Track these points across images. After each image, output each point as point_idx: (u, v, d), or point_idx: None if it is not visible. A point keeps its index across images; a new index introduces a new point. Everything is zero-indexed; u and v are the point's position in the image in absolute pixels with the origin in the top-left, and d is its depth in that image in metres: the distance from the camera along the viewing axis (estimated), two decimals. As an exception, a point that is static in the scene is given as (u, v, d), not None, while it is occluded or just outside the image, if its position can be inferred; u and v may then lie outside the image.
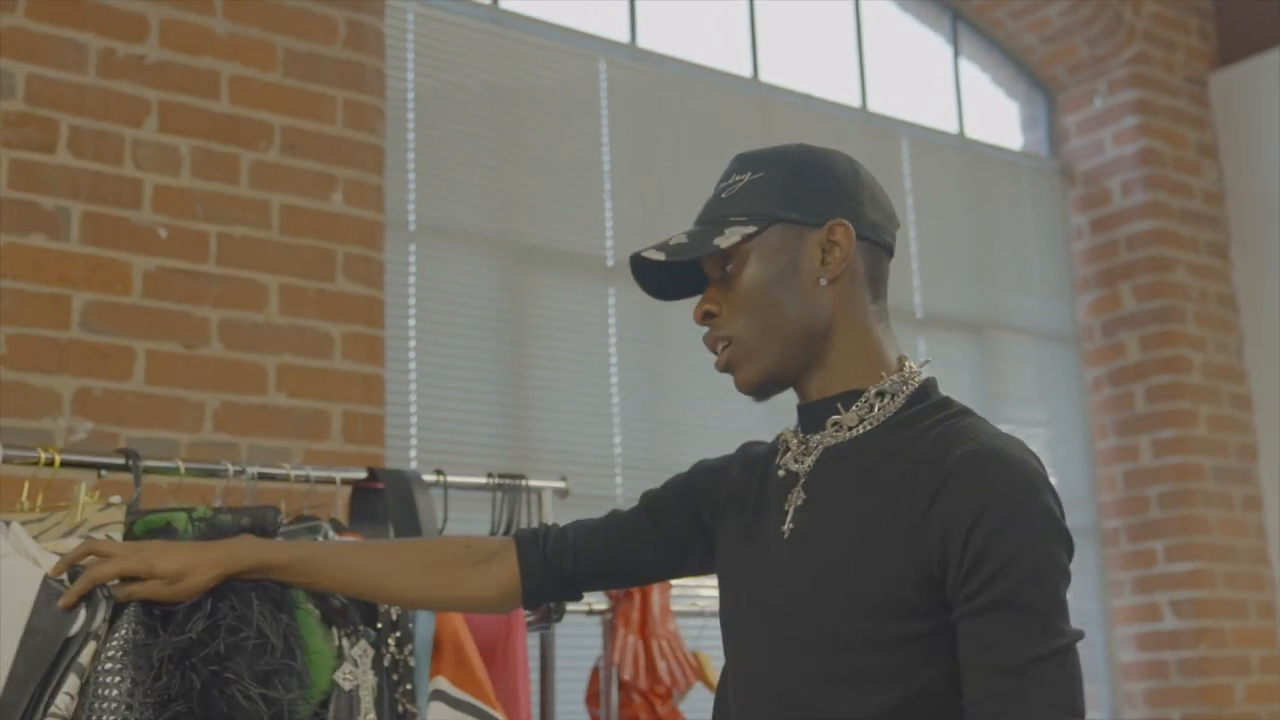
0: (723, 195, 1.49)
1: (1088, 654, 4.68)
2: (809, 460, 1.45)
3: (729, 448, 1.64)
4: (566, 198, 3.82)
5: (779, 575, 1.42)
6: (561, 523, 1.70)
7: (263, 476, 2.09)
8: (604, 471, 3.71)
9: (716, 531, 1.57)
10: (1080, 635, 1.31)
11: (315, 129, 3.17)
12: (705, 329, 1.49)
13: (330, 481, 2.15)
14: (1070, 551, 1.34)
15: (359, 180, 3.21)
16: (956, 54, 4.97)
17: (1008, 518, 1.30)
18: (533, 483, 2.40)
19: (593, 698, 2.62)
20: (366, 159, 3.24)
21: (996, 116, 5.10)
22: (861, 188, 1.47)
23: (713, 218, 1.48)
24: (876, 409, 1.43)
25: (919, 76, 4.88)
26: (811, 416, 1.48)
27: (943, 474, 1.33)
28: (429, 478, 2.26)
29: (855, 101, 4.59)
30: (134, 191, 2.91)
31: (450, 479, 2.29)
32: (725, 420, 3.58)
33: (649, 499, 1.66)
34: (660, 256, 1.46)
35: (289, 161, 3.11)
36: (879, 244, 1.48)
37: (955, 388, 4.54)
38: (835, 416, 1.44)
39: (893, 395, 1.44)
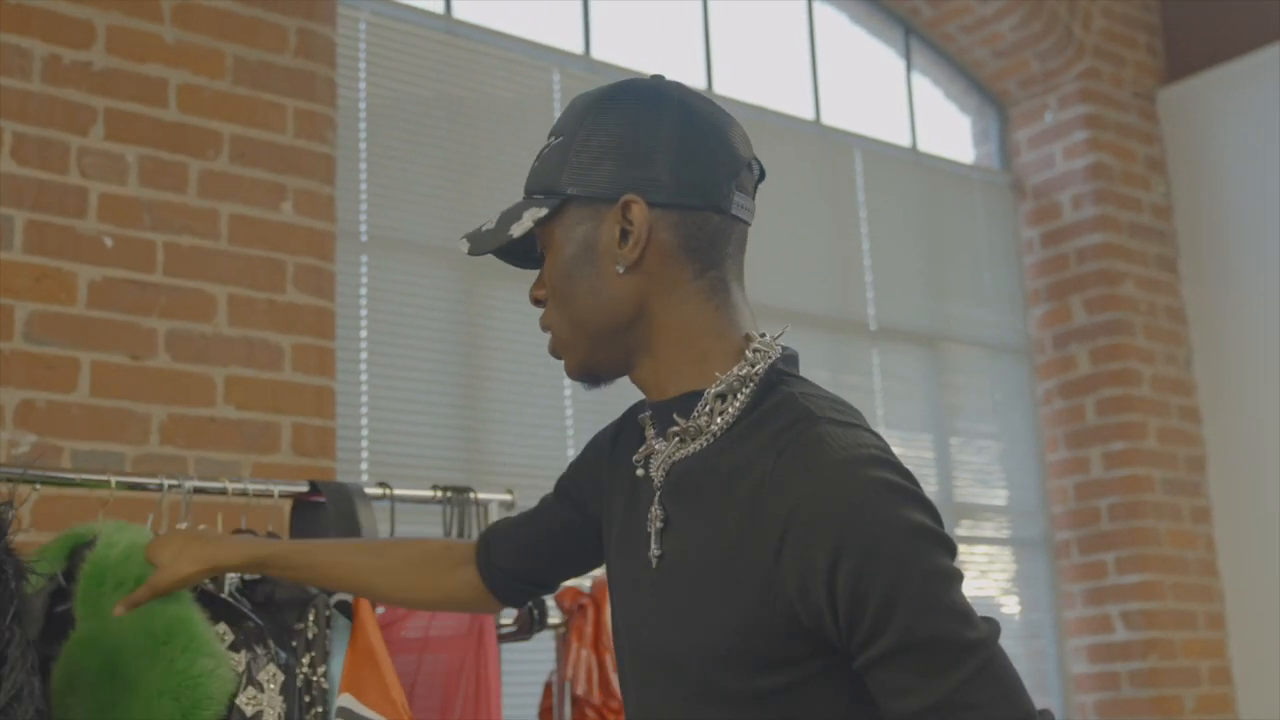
0: (535, 163, 1.32)
1: (1040, 666, 4.70)
2: (660, 472, 1.30)
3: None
4: (519, 209, 3.80)
5: (644, 613, 1.29)
6: None
7: (200, 490, 2.06)
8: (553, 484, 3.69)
9: (603, 529, 1.45)
10: (995, 630, 1.15)
11: (265, 138, 3.14)
12: None
13: (269, 495, 2.13)
14: (951, 549, 1.18)
15: (310, 190, 3.19)
16: (909, 68, 5.00)
17: (868, 553, 1.12)
18: (479, 495, 2.39)
19: (546, 713, 2.60)
20: (317, 168, 3.21)
21: (949, 130, 5.14)
22: (664, 145, 1.25)
23: (527, 189, 1.33)
24: (717, 416, 1.26)
25: (872, 90, 4.90)
26: (659, 418, 1.32)
27: (790, 504, 1.15)
28: (374, 491, 2.24)
29: (809, 114, 4.60)
30: (79, 200, 2.87)
31: (396, 492, 2.28)
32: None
33: (559, 482, 1.58)
34: (466, 247, 1.35)
35: (238, 171, 3.08)
36: (694, 207, 1.25)
37: (908, 399, 4.60)
38: (674, 427, 1.28)
39: (734, 394, 1.26)
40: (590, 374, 1.35)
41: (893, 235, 4.69)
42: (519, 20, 3.96)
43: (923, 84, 5.06)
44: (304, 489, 2.17)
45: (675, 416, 1.28)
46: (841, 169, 4.60)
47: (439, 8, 3.81)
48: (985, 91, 5.15)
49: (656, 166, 1.24)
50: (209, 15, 3.11)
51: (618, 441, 1.46)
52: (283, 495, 2.14)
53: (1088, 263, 4.85)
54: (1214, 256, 4.92)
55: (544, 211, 1.28)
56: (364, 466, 3.35)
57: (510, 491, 2.44)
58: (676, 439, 1.28)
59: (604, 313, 1.28)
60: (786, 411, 1.23)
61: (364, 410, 3.39)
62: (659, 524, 1.28)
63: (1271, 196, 4.74)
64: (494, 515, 2.39)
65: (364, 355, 3.42)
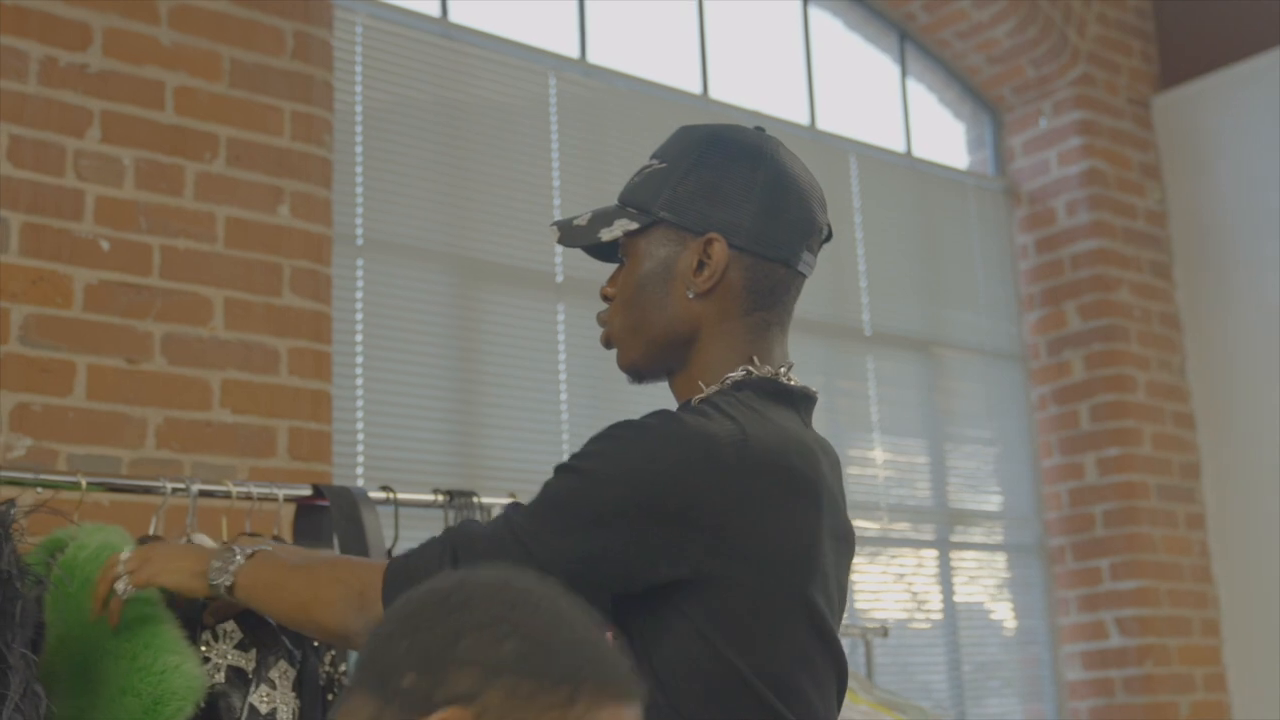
0: (634, 178, 1.49)
1: (1034, 672, 4.70)
2: None
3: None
4: (516, 212, 3.79)
5: None
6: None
7: (204, 494, 2.04)
8: (553, 489, 3.68)
9: None
10: (522, 529, 1.35)
11: (262, 141, 3.12)
12: None
13: (273, 499, 2.11)
14: (630, 455, 1.32)
15: (306, 193, 3.17)
16: (904, 73, 5.00)
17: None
18: (483, 500, 2.37)
19: None
20: (314, 172, 3.20)
21: (943, 136, 5.14)
22: (755, 196, 1.43)
23: (622, 199, 1.49)
24: None
25: (867, 95, 4.90)
26: None
27: None
28: (378, 495, 2.22)
29: (804, 119, 4.60)
30: (75, 203, 2.85)
31: (399, 496, 2.26)
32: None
33: None
34: (554, 234, 1.52)
35: (235, 173, 3.07)
36: (767, 257, 1.44)
37: (903, 404, 4.59)
38: None
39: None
40: (636, 372, 1.50)
41: (887, 241, 4.68)
42: (515, 24, 3.95)
43: (917, 90, 5.06)
44: (307, 492, 2.16)
45: None
46: (837, 174, 4.60)
47: (435, 11, 3.80)
48: (980, 97, 5.16)
49: (743, 213, 1.42)
50: (206, 18, 3.09)
51: None
52: (287, 499, 2.12)
53: (1082, 269, 4.85)
54: (1208, 263, 4.93)
55: (635, 225, 1.45)
56: (360, 471, 3.34)
57: (513, 495, 2.43)
58: None
59: (663, 328, 1.44)
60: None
61: (359, 414, 3.37)
62: None
63: (1266, 203, 4.75)
64: (496, 520, 2.38)
65: (359, 359, 3.40)
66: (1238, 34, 4.92)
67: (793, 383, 1.47)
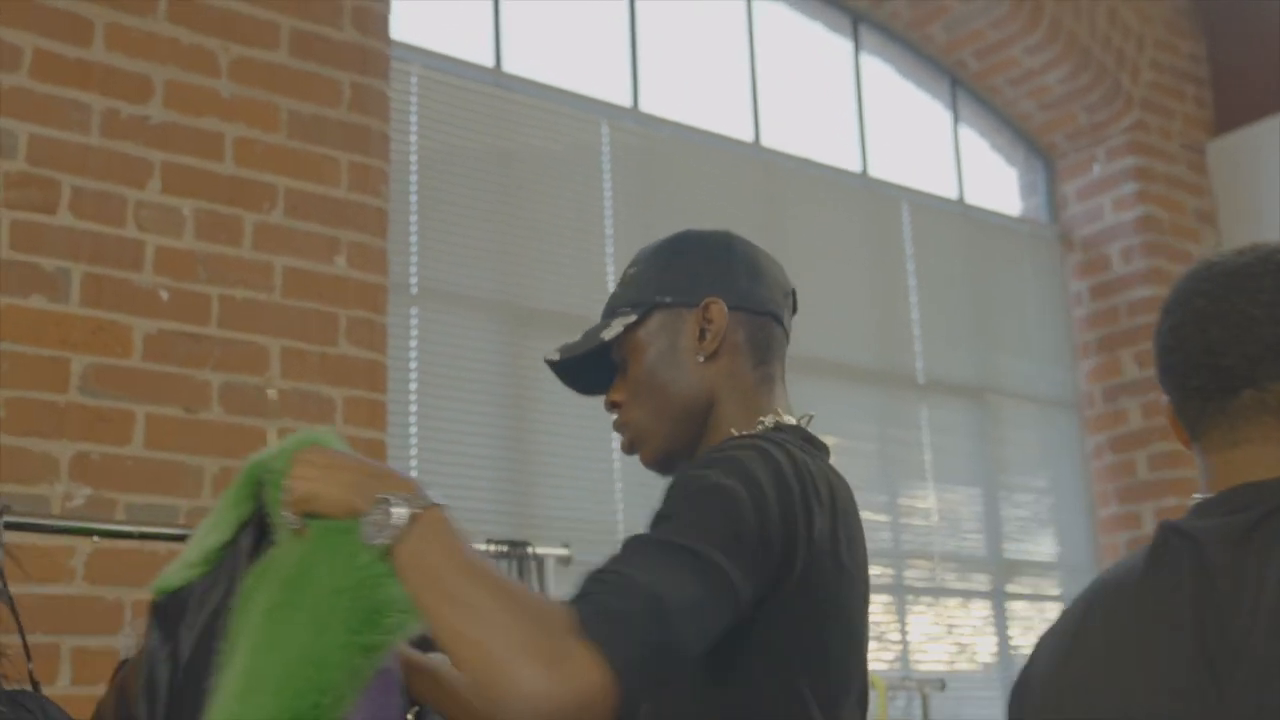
0: (615, 289, 1.56)
1: None
2: None
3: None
4: (568, 261, 3.80)
5: None
6: (565, 592, 1.64)
7: (265, 544, 2.04)
8: (606, 539, 3.66)
9: None
10: (707, 557, 1.17)
11: (319, 191, 3.15)
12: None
13: (334, 549, 2.10)
14: (747, 480, 1.25)
15: (362, 243, 3.19)
16: (956, 120, 4.99)
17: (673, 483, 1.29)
18: (536, 550, 2.36)
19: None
20: (370, 221, 3.22)
21: (996, 182, 5.11)
22: (735, 262, 1.54)
23: (607, 311, 1.55)
24: None
25: (919, 142, 4.89)
26: None
27: None
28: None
29: (856, 167, 4.59)
30: (135, 253, 2.88)
31: (456, 547, 2.25)
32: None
33: None
34: (556, 356, 1.54)
35: (292, 224, 3.09)
36: (760, 313, 1.52)
37: (956, 453, 4.55)
38: None
39: None
40: (667, 457, 1.51)
41: (940, 288, 4.65)
42: (568, 74, 3.98)
43: (969, 136, 5.05)
44: (363, 544, 2.15)
45: None
46: (889, 221, 4.58)
47: (489, 62, 3.83)
48: (1032, 144, 5.13)
49: (731, 277, 1.51)
50: (264, 70, 3.12)
51: None
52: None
53: (1138, 315, 4.80)
54: (1266, 309, 4.85)
55: (634, 316, 1.50)
56: (413, 520, 3.33)
57: (567, 546, 2.42)
58: None
59: (684, 402, 1.48)
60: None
61: (413, 463, 3.37)
62: None
63: (1325, 249, 4.68)
64: (551, 570, 2.36)
65: (414, 408, 3.41)
66: (1294, 79, 4.87)
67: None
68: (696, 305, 1.49)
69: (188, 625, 1.42)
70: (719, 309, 1.49)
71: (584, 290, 3.80)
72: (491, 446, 3.54)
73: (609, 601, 1.14)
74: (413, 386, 3.42)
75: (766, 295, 1.54)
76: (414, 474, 3.36)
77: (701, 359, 1.48)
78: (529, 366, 3.65)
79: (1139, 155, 4.89)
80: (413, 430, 3.39)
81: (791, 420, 1.49)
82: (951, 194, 4.85)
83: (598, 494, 3.67)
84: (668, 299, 1.50)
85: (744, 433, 1.44)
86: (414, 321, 3.47)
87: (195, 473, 2.85)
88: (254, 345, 2.98)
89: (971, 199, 4.90)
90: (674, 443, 1.50)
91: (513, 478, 3.55)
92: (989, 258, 4.85)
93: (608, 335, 1.49)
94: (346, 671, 1.29)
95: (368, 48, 3.30)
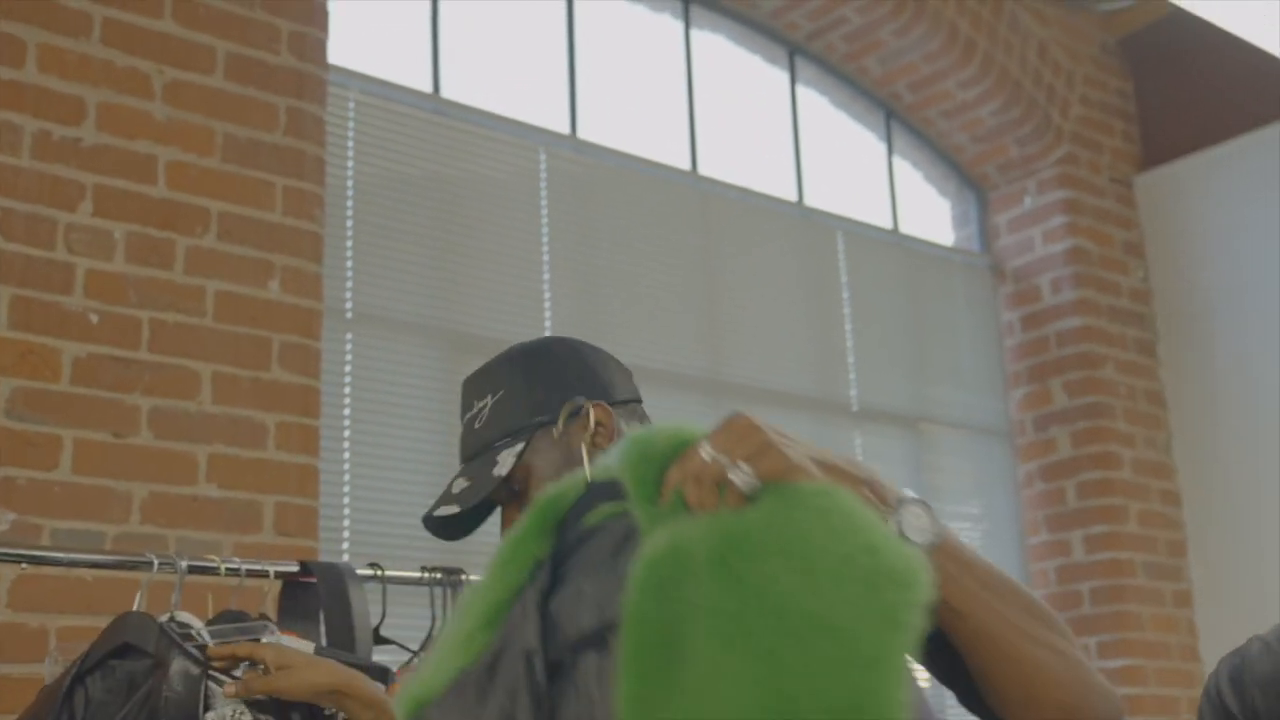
0: (475, 426, 1.55)
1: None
2: None
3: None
4: (505, 287, 3.80)
5: None
6: None
7: (193, 570, 2.03)
8: (540, 564, 3.66)
9: None
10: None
11: (253, 215, 3.13)
12: None
13: (263, 574, 2.09)
14: None
15: (296, 268, 3.18)
16: (890, 152, 5.05)
17: None
18: (472, 577, 2.36)
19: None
20: (305, 246, 3.21)
21: (929, 213, 5.18)
22: (589, 363, 1.56)
23: (477, 450, 1.54)
24: None
25: (854, 173, 4.95)
26: None
27: None
28: (365, 571, 2.21)
29: (792, 196, 4.64)
30: (66, 276, 2.85)
31: (387, 573, 2.24)
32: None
33: None
34: (454, 508, 1.52)
35: (226, 248, 3.07)
36: (630, 401, 1.56)
37: (890, 481, 4.59)
38: None
39: None
40: None
41: (874, 316, 4.71)
42: (506, 100, 3.99)
43: (904, 167, 5.12)
44: (294, 569, 2.14)
45: None
46: (824, 250, 4.63)
47: (427, 87, 3.84)
48: (965, 175, 5.21)
49: (595, 376, 1.54)
50: (200, 93, 3.11)
51: None
52: (278, 575, 2.11)
53: (1068, 346, 4.88)
54: (1192, 340, 4.96)
55: (521, 444, 1.49)
56: (346, 546, 3.31)
57: (500, 574, 2.41)
58: None
59: None
60: None
61: (346, 489, 3.35)
62: None
63: (1248, 281, 4.80)
64: (484, 598, 2.35)
65: (347, 433, 3.39)
66: (1218, 115, 4.99)
67: None
68: (577, 415, 1.49)
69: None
70: (603, 410, 1.50)
71: (520, 317, 3.81)
72: (425, 473, 3.53)
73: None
74: (346, 412, 3.40)
75: (626, 383, 1.57)
76: (347, 500, 3.34)
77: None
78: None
79: (1069, 188, 4.98)
80: (346, 456, 3.37)
81: None
82: (886, 224, 4.91)
83: (532, 520, 3.67)
84: (549, 417, 1.50)
85: None
86: (349, 347, 3.46)
87: (123, 498, 2.81)
88: (185, 370, 2.96)
89: (906, 229, 4.96)
90: None
91: (447, 504, 3.54)
92: (923, 287, 4.91)
93: (503, 471, 1.48)
94: (888, 641, 0.97)
95: (305, 72, 3.29)
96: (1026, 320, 5.01)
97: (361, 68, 3.66)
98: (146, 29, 3.06)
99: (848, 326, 4.61)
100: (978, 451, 4.90)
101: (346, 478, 3.36)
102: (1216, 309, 4.90)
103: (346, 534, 3.33)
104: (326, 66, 3.37)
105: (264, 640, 1.84)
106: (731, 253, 4.36)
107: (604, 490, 1.17)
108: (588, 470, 1.21)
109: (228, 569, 2.03)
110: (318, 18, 3.35)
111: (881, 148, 5.04)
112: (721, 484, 1.03)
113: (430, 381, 3.60)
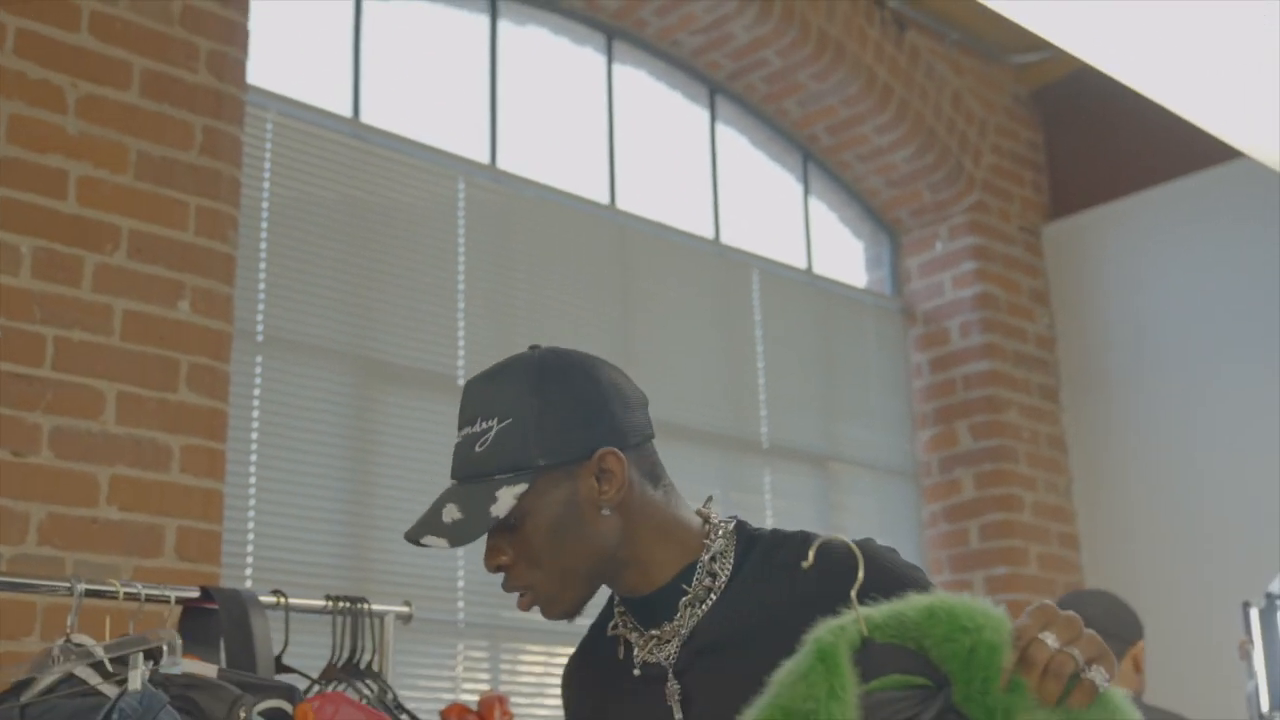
0: (476, 449, 1.44)
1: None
2: (670, 648, 1.45)
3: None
4: (419, 315, 3.79)
5: None
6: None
7: (91, 593, 1.98)
8: (447, 596, 3.64)
9: None
10: None
11: (165, 234, 3.09)
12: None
13: (163, 599, 2.05)
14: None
15: (207, 288, 3.14)
16: (806, 193, 5.12)
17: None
18: (375, 607, 2.33)
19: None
20: (217, 267, 3.17)
21: (843, 254, 5.25)
22: (608, 398, 1.46)
23: (474, 474, 1.44)
24: (720, 572, 1.45)
25: (770, 212, 5.00)
26: (650, 609, 1.47)
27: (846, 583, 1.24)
28: (268, 599, 2.18)
29: (709, 233, 4.68)
30: (-32, 290, 2.79)
31: (290, 601, 2.21)
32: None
33: None
34: (443, 542, 1.42)
35: (135, 266, 3.03)
36: (643, 443, 1.48)
37: (798, 517, 4.62)
38: (685, 599, 1.45)
39: (723, 553, 1.46)
40: (577, 609, 1.47)
41: (787, 355, 4.75)
42: (426, 127, 3.98)
43: (819, 209, 5.18)
44: (195, 594, 2.10)
45: (683, 586, 1.45)
46: (739, 288, 4.67)
47: (347, 111, 3.82)
48: (879, 218, 5.29)
49: (610, 415, 1.44)
50: (114, 109, 3.07)
51: (584, 670, 1.58)
52: (179, 601, 2.07)
53: (974, 389, 4.96)
54: (1093, 387, 5.07)
55: (524, 485, 1.40)
56: (249, 573, 3.27)
57: (408, 604, 2.39)
58: (689, 607, 1.44)
59: (597, 552, 1.44)
60: (783, 543, 1.45)
61: (251, 515, 3.31)
62: (677, 696, 1.43)
63: (1149, 330, 4.92)
64: (390, 628, 2.33)
65: (254, 458, 3.35)
66: (1124, 169, 5.12)
67: None
68: (589, 458, 1.42)
69: None
70: (616, 459, 1.43)
71: (434, 344, 3.79)
72: (332, 500, 3.49)
73: None
74: (254, 436, 3.36)
75: (642, 420, 1.49)
76: (251, 525, 3.30)
77: (607, 511, 1.43)
78: (375, 419, 3.62)
79: (978, 235, 5.08)
80: (252, 481, 3.33)
81: (715, 515, 1.49)
82: (800, 264, 4.97)
83: (440, 552, 3.64)
84: (558, 459, 1.41)
85: (725, 531, 1.47)
86: (258, 370, 3.42)
87: (20, 518, 2.75)
88: (89, 389, 2.90)
89: (820, 269, 5.02)
90: (587, 596, 1.46)
91: (353, 532, 3.51)
92: (835, 327, 4.97)
93: (501, 511, 1.39)
94: None
95: (222, 92, 3.26)
96: (935, 363, 5.09)
97: (281, 89, 3.63)
98: (61, 42, 3.01)
99: (760, 364, 4.64)
100: (884, 491, 4.96)
101: (252, 503, 3.32)
102: (1118, 357, 5.02)
103: (250, 560, 3.28)
104: (245, 87, 3.34)
105: (165, 661, 1.80)
106: (647, 287, 4.39)
107: (885, 654, 1.20)
108: (863, 625, 1.18)
109: (127, 593, 1.99)
110: (237, 37, 3.32)
111: (798, 188, 5.10)
112: (1070, 679, 1.14)
113: (341, 408, 3.57)
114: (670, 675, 1.44)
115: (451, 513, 1.43)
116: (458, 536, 1.41)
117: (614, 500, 1.43)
